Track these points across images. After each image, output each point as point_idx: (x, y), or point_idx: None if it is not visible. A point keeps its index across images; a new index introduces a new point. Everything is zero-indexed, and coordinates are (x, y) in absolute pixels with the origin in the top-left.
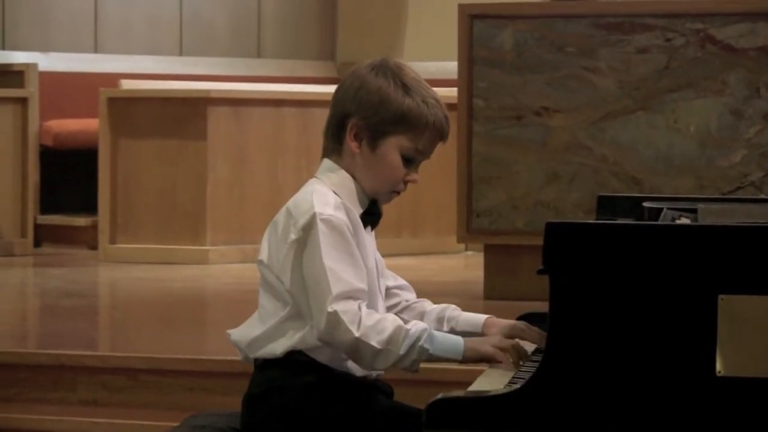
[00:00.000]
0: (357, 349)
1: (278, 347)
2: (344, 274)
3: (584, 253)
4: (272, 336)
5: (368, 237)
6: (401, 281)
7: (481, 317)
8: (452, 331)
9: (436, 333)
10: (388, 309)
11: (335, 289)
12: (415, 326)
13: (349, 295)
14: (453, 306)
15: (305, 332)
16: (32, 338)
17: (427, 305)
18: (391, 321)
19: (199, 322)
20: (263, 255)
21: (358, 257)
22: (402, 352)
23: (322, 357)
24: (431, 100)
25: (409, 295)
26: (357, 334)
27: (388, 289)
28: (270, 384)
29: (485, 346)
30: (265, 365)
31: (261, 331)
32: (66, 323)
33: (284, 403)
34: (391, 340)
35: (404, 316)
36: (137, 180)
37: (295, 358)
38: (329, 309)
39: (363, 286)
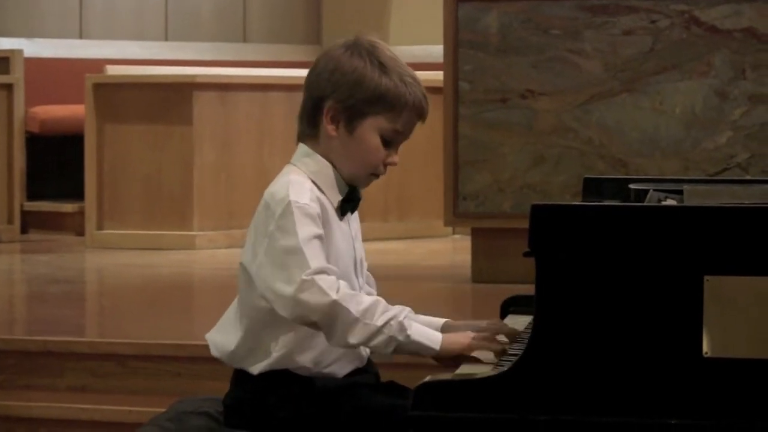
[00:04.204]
0: (333, 314)
1: (255, 369)
2: (318, 257)
3: (570, 235)
4: (248, 353)
5: (345, 225)
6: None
7: (439, 320)
8: None
9: (415, 319)
10: None
11: (313, 263)
12: (396, 306)
13: (326, 271)
14: (408, 309)
15: (279, 355)
16: (19, 325)
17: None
18: (371, 297)
19: (187, 308)
20: (243, 257)
21: (325, 249)
22: (379, 323)
23: (303, 371)
24: (409, 79)
25: (370, 290)
26: (335, 297)
27: None
28: (245, 395)
29: (465, 341)
30: (241, 377)
31: (234, 346)
32: (53, 309)
33: (259, 414)
34: (369, 312)
35: None
36: (124, 166)
37: (270, 374)
38: (305, 277)
39: (337, 269)
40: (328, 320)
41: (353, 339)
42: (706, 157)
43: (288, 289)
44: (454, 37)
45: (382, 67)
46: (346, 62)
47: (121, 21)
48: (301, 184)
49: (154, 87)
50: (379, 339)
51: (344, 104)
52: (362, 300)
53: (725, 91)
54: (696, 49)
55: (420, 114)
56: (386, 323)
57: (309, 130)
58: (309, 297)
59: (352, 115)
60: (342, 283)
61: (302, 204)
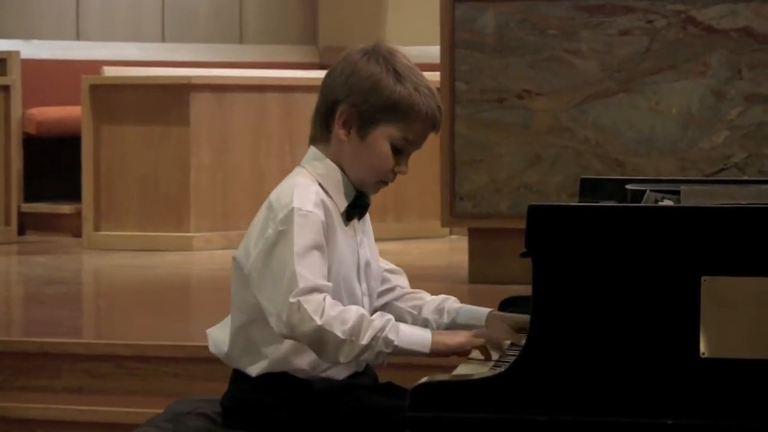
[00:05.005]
0: (320, 338)
1: (252, 371)
2: (310, 272)
3: (567, 235)
4: (242, 353)
5: (350, 231)
6: (391, 265)
7: (484, 311)
8: (452, 323)
9: (403, 325)
10: (382, 294)
11: (301, 283)
12: (380, 317)
13: (314, 289)
14: (453, 298)
15: (276, 357)
16: (17, 326)
17: (426, 296)
18: (354, 311)
19: (184, 309)
20: (237, 251)
21: (326, 257)
22: (364, 342)
23: (301, 374)
24: (424, 89)
25: (402, 281)
26: (320, 323)
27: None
28: (243, 396)
29: (455, 339)
30: (240, 378)
31: (228, 345)
32: (50, 311)
33: (258, 415)
34: (354, 331)
35: (400, 304)
36: (120, 167)
37: (268, 375)
38: (291, 300)
39: (329, 284)
40: (317, 344)
41: (343, 358)
42: (702, 157)
43: (275, 310)
44: (451, 37)
45: (398, 75)
46: (363, 67)
47: (118, 22)
48: (307, 187)
49: (150, 88)
50: (367, 354)
51: (357, 109)
52: (347, 318)
53: (722, 91)
54: (692, 49)
55: (433, 125)
56: (372, 339)
57: (321, 132)
58: (296, 322)
59: (364, 121)
60: (327, 302)
61: (305, 212)
